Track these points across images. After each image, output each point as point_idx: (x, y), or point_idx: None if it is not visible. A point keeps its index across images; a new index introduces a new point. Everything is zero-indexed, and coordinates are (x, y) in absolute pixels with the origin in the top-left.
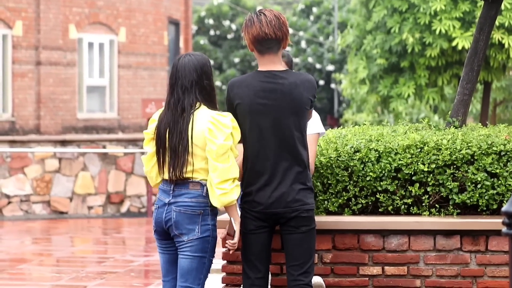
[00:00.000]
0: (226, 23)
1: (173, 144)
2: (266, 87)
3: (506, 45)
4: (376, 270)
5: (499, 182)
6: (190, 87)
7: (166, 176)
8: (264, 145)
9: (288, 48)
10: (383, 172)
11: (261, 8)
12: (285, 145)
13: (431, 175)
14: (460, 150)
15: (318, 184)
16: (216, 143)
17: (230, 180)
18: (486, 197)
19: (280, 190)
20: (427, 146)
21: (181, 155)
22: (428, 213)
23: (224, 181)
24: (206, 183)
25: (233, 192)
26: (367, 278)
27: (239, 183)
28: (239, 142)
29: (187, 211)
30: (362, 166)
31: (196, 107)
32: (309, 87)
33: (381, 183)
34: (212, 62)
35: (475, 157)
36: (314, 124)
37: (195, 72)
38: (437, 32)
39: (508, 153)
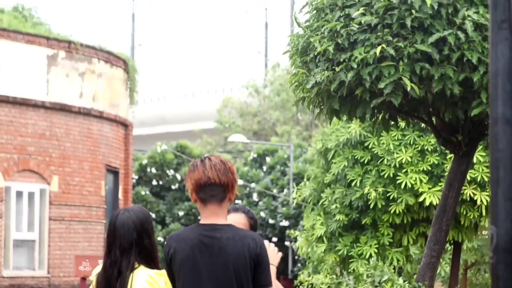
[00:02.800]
0: (170, 172)
1: None
2: (203, 241)
3: (479, 202)
4: None
5: None
6: (129, 247)
7: None
8: None
9: (238, 201)
10: None
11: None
12: None
13: None
14: None
15: None
16: None
17: None
18: None
19: None
20: None
21: None
22: None
23: None
24: None
25: None
26: None
27: None
28: None
29: None
30: None
31: (135, 267)
32: (250, 245)
33: None
34: (153, 215)
35: None
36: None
37: (135, 231)
38: (403, 186)
39: None
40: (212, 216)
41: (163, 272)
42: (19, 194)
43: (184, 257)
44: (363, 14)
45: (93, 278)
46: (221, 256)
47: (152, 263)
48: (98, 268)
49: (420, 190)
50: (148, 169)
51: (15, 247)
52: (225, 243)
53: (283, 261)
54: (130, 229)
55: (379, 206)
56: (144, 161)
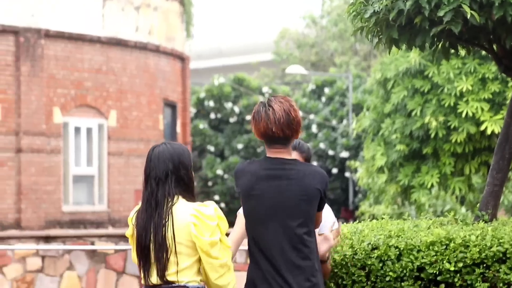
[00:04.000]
0: (228, 105)
1: (149, 243)
2: (270, 174)
3: None
4: None
5: None
6: (164, 178)
7: (145, 281)
8: (267, 238)
9: None
10: (404, 271)
11: (266, 89)
12: (290, 238)
13: (458, 275)
14: (491, 247)
15: (332, 284)
16: (204, 241)
17: (226, 272)
18: None
19: (284, 286)
20: (454, 242)
21: (160, 255)
22: None
23: (222, 276)
24: (194, 286)
25: (233, 281)
26: None
27: (232, 266)
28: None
29: None
30: (380, 265)
31: (174, 201)
32: (319, 179)
33: (402, 283)
34: (213, 148)
35: (508, 255)
36: (328, 220)
37: (171, 162)
38: (464, 115)
39: None
40: (278, 154)
41: (210, 203)
42: (77, 129)
43: (252, 189)
44: None
45: (131, 216)
46: (289, 188)
47: (189, 195)
48: (135, 209)
49: (482, 118)
50: (206, 103)
51: (75, 183)
52: (294, 176)
53: (344, 192)
54: (166, 160)
55: (440, 135)
56: (202, 95)
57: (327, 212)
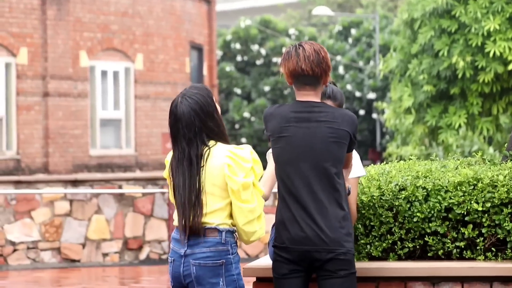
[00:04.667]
0: (255, 47)
1: (184, 198)
2: (300, 117)
3: None
4: None
5: None
6: (194, 136)
7: (178, 223)
8: (297, 179)
9: None
10: (432, 212)
11: (293, 30)
12: (319, 179)
13: (486, 215)
14: None
15: (360, 226)
16: (237, 182)
17: (255, 219)
18: None
19: (315, 227)
20: (481, 183)
21: (194, 204)
22: (483, 257)
23: (249, 222)
24: (225, 228)
25: (261, 230)
26: None
27: (264, 215)
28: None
29: (207, 263)
30: (408, 205)
31: (211, 145)
32: (348, 121)
33: (430, 224)
34: (239, 91)
35: None
36: (354, 166)
37: (197, 119)
38: (491, 54)
39: None
40: (308, 97)
41: (246, 146)
42: (103, 73)
43: (281, 132)
44: None
45: (168, 158)
46: (318, 130)
47: (222, 140)
48: (171, 154)
49: (509, 58)
50: (232, 45)
51: (102, 126)
52: (323, 118)
53: (371, 133)
54: (192, 118)
55: (467, 75)
56: (228, 37)
57: (356, 162)
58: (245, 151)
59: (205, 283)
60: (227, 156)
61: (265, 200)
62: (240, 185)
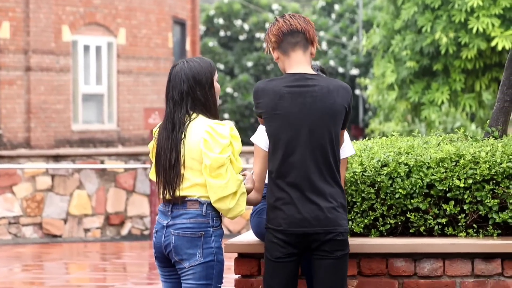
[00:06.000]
0: (238, 22)
1: (165, 161)
2: (294, 91)
3: None
4: None
5: None
6: (180, 100)
7: (162, 196)
8: (292, 157)
9: None
10: (414, 188)
11: (276, 6)
12: (316, 157)
13: (468, 191)
14: (501, 164)
15: None
16: (210, 157)
17: (229, 197)
18: None
19: (312, 208)
20: (463, 159)
21: (173, 172)
22: (465, 234)
23: (221, 199)
24: (206, 201)
25: (238, 206)
26: None
27: (244, 192)
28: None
29: (186, 233)
30: (390, 182)
31: (192, 118)
32: (344, 94)
33: (412, 200)
34: (222, 66)
35: None
36: (345, 145)
37: (186, 83)
38: (474, 31)
39: None
40: (299, 65)
41: (228, 122)
42: (86, 47)
43: (275, 109)
44: None
45: (155, 130)
46: (314, 104)
47: (209, 114)
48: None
49: (492, 34)
50: (215, 20)
51: (84, 101)
52: (319, 92)
53: (354, 109)
54: (181, 81)
55: (451, 51)
56: (211, 12)
57: (347, 142)
58: (225, 128)
59: (183, 253)
60: (206, 131)
61: (258, 194)
62: (213, 160)
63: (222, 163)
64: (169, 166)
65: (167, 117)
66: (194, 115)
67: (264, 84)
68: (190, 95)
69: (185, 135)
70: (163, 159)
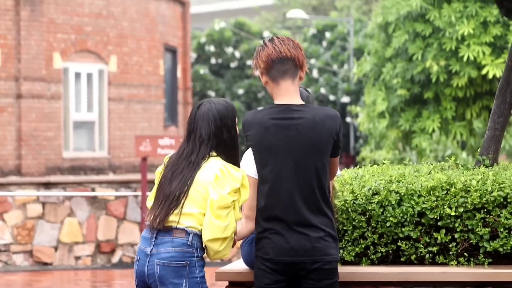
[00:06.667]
0: (229, 50)
1: (170, 190)
2: (279, 125)
3: None
4: None
5: None
6: (207, 139)
7: (149, 221)
8: (279, 190)
9: None
10: (405, 217)
11: (267, 33)
12: (302, 189)
13: (459, 220)
14: (492, 192)
15: None
16: (219, 193)
17: (222, 240)
18: None
19: (299, 238)
20: (454, 187)
21: (174, 201)
22: (456, 262)
23: (215, 240)
24: (193, 231)
25: (224, 250)
26: None
27: (233, 237)
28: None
29: (171, 263)
30: (381, 210)
31: (212, 156)
32: (330, 124)
33: (403, 229)
34: (213, 93)
35: (508, 200)
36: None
37: (214, 124)
38: (465, 59)
39: None
40: (287, 95)
41: (241, 169)
42: (77, 75)
43: (261, 141)
44: None
45: (167, 157)
46: (299, 137)
47: (230, 156)
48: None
49: (483, 62)
50: (207, 47)
51: (75, 129)
52: (304, 125)
53: (345, 137)
54: (210, 121)
55: (441, 79)
56: (203, 39)
57: None
58: (238, 173)
59: (168, 283)
60: (219, 169)
61: (250, 223)
62: (220, 197)
63: (228, 204)
64: (174, 194)
65: (188, 153)
66: (214, 153)
67: (251, 117)
68: (217, 136)
69: (197, 169)
70: (167, 188)
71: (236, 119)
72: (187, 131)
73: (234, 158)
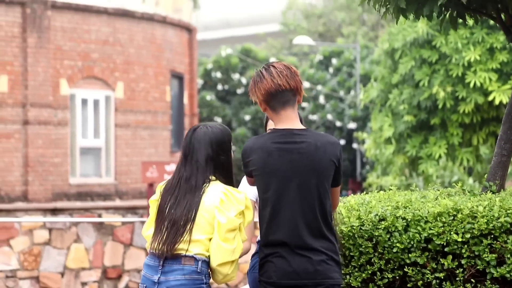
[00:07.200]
0: (235, 76)
1: (175, 217)
2: (282, 148)
3: None
4: None
5: None
6: (205, 163)
7: (155, 248)
8: (281, 214)
9: (305, 104)
10: (412, 243)
11: (274, 59)
12: (305, 213)
13: (466, 246)
14: (498, 218)
15: (339, 256)
16: (227, 216)
17: (231, 263)
18: None
19: (302, 261)
20: (461, 213)
21: (182, 229)
22: None
23: (225, 264)
24: (201, 258)
25: (233, 273)
26: None
27: (238, 261)
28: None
29: None
30: (388, 236)
31: (211, 180)
32: (332, 150)
33: (410, 255)
34: (220, 120)
35: None
36: None
37: (210, 147)
38: (472, 85)
39: None
40: (287, 120)
41: (243, 192)
42: (84, 101)
43: (264, 165)
44: None
45: (162, 185)
46: (301, 161)
47: (227, 180)
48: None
49: (490, 88)
50: (213, 74)
51: (82, 155)
52: (306, 149)
53: (352, 163)
54: (207, 145)
55: (448, 106)
56: (209, 66)
57: None
58: (241, 195)
59: None
60: (223, 192)
61: (247, 243)
62: (228, 220)
63: (236, 226)
64: (179, 221)
65: (187, 178)
66: (213, 178)
67: (252, 143)
68: (214, 160)
69: (201, 198)
70: (171, 214)
71: (231, 143)
72: (182, 154)
73: (232, 181)
